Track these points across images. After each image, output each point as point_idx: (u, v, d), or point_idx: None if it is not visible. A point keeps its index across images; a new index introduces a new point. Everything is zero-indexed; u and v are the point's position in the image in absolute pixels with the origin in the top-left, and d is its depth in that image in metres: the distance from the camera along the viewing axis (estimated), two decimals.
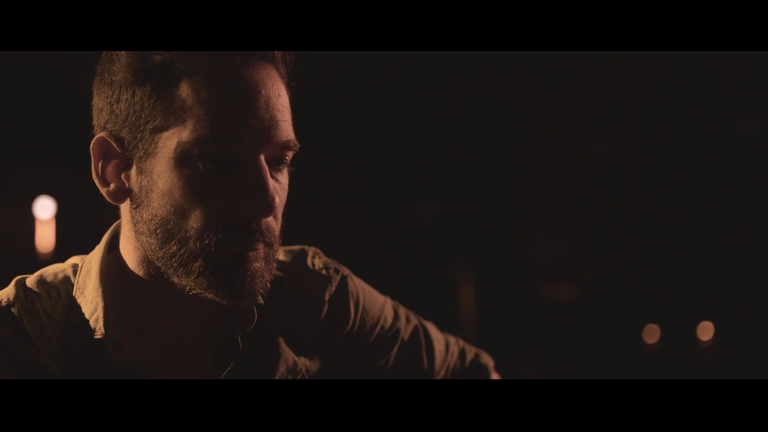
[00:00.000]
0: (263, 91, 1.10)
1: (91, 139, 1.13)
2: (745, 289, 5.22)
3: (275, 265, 1.14)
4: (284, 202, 1.14)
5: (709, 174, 5.40)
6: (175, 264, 1.09)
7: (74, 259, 1.21)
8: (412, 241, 5.87)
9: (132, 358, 1.13)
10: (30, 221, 5.56)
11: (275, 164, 1.11)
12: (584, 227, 5.84)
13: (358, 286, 1.35)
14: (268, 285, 1.12)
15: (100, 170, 1.13)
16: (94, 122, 1.13)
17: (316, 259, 1.33)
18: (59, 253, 5.53)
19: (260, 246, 1.10)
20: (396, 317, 1.40)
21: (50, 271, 1.19)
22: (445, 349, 1.46)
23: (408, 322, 1.42)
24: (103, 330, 1.11)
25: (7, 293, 1.13)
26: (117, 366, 1.11)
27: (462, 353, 1.49)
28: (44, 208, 5.55)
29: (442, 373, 1.44)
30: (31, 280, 1.16)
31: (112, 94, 1.11)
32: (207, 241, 1.07)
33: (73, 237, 5.52)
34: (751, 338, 4.99)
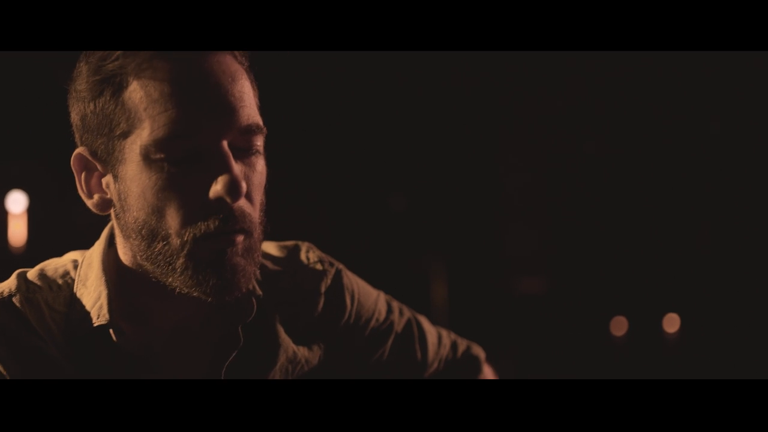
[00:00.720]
0: (214, 79, 1.09)
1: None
2: (712, 281, 5.31)
3: (259, 255, 1.13)
4: (261, 188, 1.14)
5: (676, 168, 5.49)
6: (162, 262, 1.10)
7: (73, 254, 1.23)
8: (384, 235, 5.89)
9: (135, 344, 1.13)
10: (2, 215, 5.52)
11: (243, 151, 1.11)
12: (556, 220, 5.91)
13: (353, 279, 1.36)
14: (252, 278, 1.13)
15: (83, 184, 1.15)
16: (75, 139, 1.16)
17: (311, 253, 1.34)
18: (31, 247, 5.50)
19: (239, 238, 1.10)
20: (390, 310, 1.41)
21: (51, 265, 1.20)
22: (437, 341, 1.46)
23: (401, 315, 1.43)
24: (107, 315, 1.11)
25: (8, 285, 1.15)
26: (122, 352, 1.12)
27: (454, 345, 1.50)
28: (16, 202, 5.52)
29: (435, 365, 1.46)
30: (32, 273, 1.17)
31: (81, 109, 1.12)
32: (186, 237, 1.08)
33: (45, 231, 5.49)
34: (717, 331, 5.09)
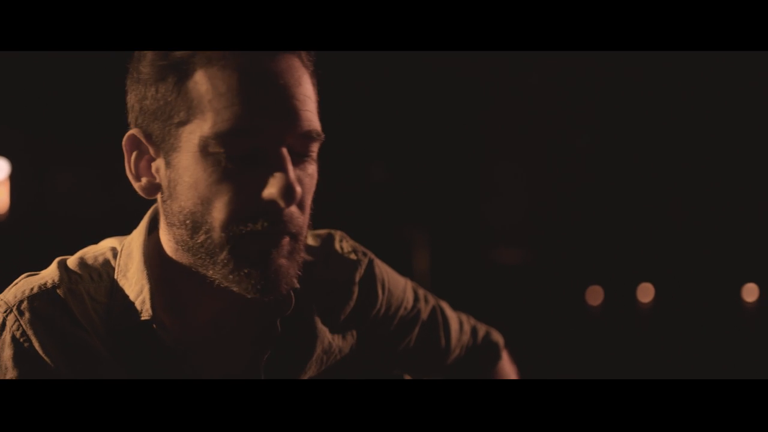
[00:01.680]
0: (282, 81, 1.07)
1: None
2: (685, 252, 5.41)
3: (302, 256, 1.12)
4: (311, 192, 1.13)
5: (652, 140, 5.56)
6: (203, 254, 1.09)
7: (111, 242, 1.22)
8: (363, 205, 5.90)
9: (175, 337, 1.14)
10: None
11: (299, 156, 1.10)
12: (534, 191, 5.96)
13: (383, 268, 1.36)
14: (294, 279, 1.12)
15: (132, 166, 1.14)
16: (129, 119, 1.14)
17: (344, 243, 1.33)
18: (14, 215, 5.50)
19: (285, 240, 1.09)
20: (416, 299, 1.40)
21: (90, 253, 1.19)
22: (459, 327, 1.46)
23: (426, 302, 1.42)
24: (150, 311, 1.11)
25: (51, 275, 1.14)
26: (164, 347, 1.13)
27: (474, 331, 1.50)
28: None
29: (457, 352, 1.46)
30: (72, 262, 1.17)
31: (140, 92, 1.11)
32: (231, 233, 1.07)
33: (27, 198, 5.49)
34: (690, 300, 5.19)
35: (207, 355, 1.18)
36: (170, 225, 1.13)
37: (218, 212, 1.07)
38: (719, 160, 5.33)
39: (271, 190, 1.07)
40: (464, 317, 1.51)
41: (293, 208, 1.10)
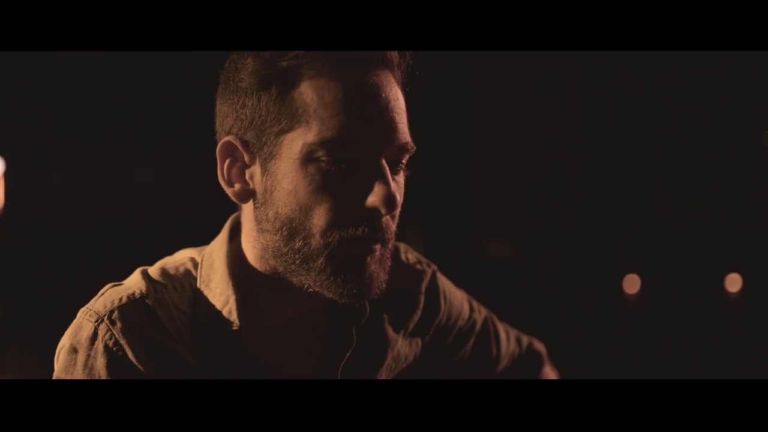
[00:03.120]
0: (383, 95, 1.11)
1: (218, 143, 1.15)
2: (672, 243, 5.47)
3: (389, 264, 1.15)
4: (401, 202, 1.16)
5: (639, 133, 5.61)
6: (298, 260, 1.11)
7: (189, 252, 1.24)
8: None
9: (258, 346, 1.17)
10: None
11: (393, 166, 1.14)
12: (525, 185, 6.00)
13: (443, 280, 1.39)
14: (384, 285, 1.15)
15: (225, 172, 1.16)
16: (218, 128, 1.17)
17: (409, 254, 1.36)
18: (8, 212, 5.51)
19: (377, 247, 1.12)
20: (471, 309, 1.43)
21: (170, 264, 1.21)
22: (506, 337, 1.49)
23: (480, 313, 1.45)
24: (237, 321, 1.14)
25: (137, 285, 1.15)
26: (248, 354, 1.15)
27: (518, 341, 1.53)
28: None
29: (506, 361, 1.49)
30: (154, 272, 1.19)
31: (238, 101, 1.13)
32: (330, 239, 1.09)
33: (22, 195, 5.50)
34: (676, 291, 5.25)
35: (283, 361, 1.20)
36: (262, 231, 1.14)
37: (318, 219, 1.09)
38: (708, 154, 5.39)
39: (374, 198, 1.09)
40: (508, 327, 1.53)
41: (389, 216, 1.12)
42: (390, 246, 1.16)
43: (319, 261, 1.10)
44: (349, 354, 1.22)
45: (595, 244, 5.58)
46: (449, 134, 6.05)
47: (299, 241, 1.11)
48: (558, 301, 5.42)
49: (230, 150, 1.16)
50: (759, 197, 5.16)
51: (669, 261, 5.36)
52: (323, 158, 1.08)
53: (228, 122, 1.16)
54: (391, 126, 1.12)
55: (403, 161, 1.16)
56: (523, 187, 5.96)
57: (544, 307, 5.31)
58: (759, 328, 4.42)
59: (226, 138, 1.15)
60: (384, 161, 1.12)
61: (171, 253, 1.28)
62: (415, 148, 1.15)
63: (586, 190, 5.69)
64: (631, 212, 5.58)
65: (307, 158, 1.09)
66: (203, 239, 1.32)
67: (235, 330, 1.14)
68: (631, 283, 5.52)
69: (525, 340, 1.56)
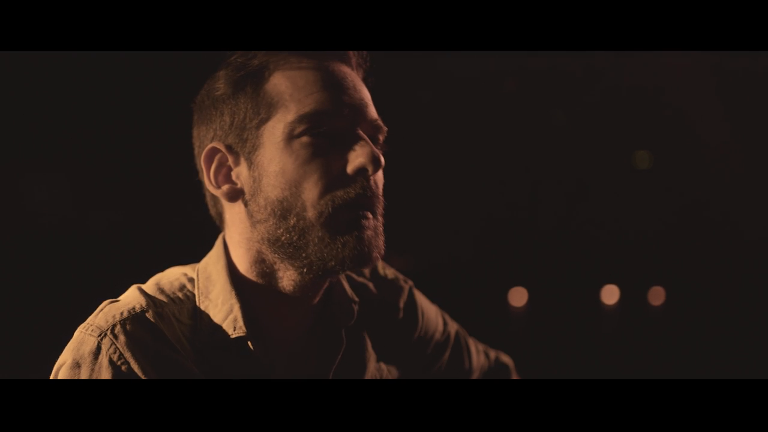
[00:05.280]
0: (350, 78, 1.18)
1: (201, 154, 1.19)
2: (650, 253, 5.50)
3: (383, 240, 1.18)
4: (382, 182, 1.20)
5: (627, 144, 5.63)
6: (295, 238, 1.14)
7: (180, 269, 1.27)
8: None
9: (261, 352, 1.19)
10: None
11: (371, 141, 1.19)
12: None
13: (419, 295, 1.43)
14: (383, 251, 1.18)
15: (212, 176, 1.20)
16: (197, 150, 1.21)
17: (387, 270, 1.40)
18: None
19: (369, 215, 1.16)
20: (445, 323, 1.47)
21: (164, 280, 1.24)
22: (476, 350, 1.53)
23: (452, 326, 1.49)
24: (244, 328, 1.16)
25: (136, 300, 1.16)
26: (253, 360, 1.17)
27: (486, 354, 1.56)
28: None
29: (477, 373, 1.52)
30: (150, 288, 1.21)
31: (216, 112, 1.19)
32: (323, 208, 1.13)
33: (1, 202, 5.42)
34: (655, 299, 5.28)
35: (284, 366, 1.22)
36: (255, 224, 1.17)
37: (309, 192, 1.13)
38: (685, 160, 5.42)
39: (359, 158, 1.14)
40: (476, 341, 1.57)
41: (374, 184, 1.16)
42: (381, 220, 1.19)
43: (316, 230, 1.14)
44: (340, 356, 1.25)
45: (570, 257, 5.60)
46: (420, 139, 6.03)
47: (293, 218, 1.14)
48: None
49: (214, 154, 1.20)
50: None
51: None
52: (305, 133, 1.14)
53: (209, 136, 1.21)
54: (363, 102, 1.18)
55: (379, 140, 1.21)
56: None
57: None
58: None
59: (211, 144, 1.20)
60: (362, 131, 1.18)
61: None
62: (386, 128, 1.21)
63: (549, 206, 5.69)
64: (607, 225, 5.60)
65: (290, 137, 1.14)
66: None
67: (242, 336, 1.17)
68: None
69: (492, 353, 1.59)
